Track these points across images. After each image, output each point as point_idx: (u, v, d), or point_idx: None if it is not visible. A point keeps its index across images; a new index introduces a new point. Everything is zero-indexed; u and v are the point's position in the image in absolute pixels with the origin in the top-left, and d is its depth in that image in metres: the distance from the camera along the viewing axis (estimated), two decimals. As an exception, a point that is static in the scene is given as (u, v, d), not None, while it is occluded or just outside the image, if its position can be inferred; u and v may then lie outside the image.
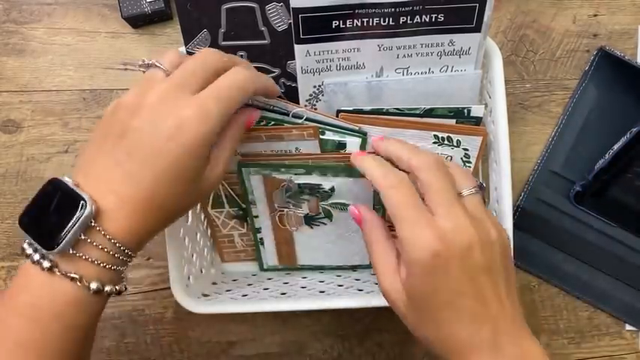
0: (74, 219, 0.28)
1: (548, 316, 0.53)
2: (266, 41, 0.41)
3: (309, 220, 0.45)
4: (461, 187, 0.33)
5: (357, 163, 0.37)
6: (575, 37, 0.55)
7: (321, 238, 0.47)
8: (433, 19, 0.38)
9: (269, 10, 0.39)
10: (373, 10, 0.37)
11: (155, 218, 0.32)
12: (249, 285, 0.47)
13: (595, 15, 0.55)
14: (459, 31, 0.39)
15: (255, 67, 0.42)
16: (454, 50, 0.40)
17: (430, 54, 0.41)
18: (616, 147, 0.51)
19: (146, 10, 0.52)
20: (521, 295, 0.53)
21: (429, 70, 0.42)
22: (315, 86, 0.42)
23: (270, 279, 0.49)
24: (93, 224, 0.29)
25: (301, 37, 0.39)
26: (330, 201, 0.43)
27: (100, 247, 0.30)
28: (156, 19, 0.54)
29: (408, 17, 0.38)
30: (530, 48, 0.55)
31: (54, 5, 0.55)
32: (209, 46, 0.41)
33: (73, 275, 0.29)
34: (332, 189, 0.42)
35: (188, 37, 0.41)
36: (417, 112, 0.42)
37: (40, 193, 0.30)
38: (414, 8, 0.37)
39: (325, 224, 0.45)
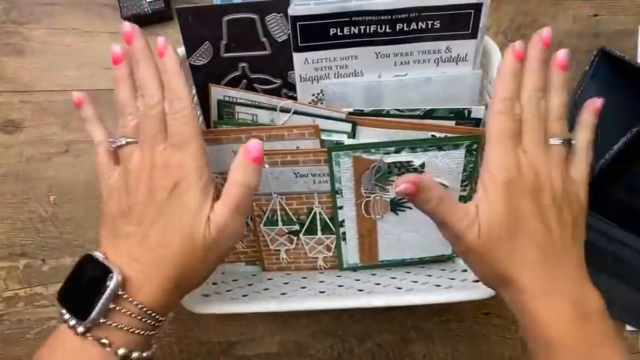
0: (103, 291, 0.31)
1: (549, 316, 0.53)
2: (267, 52, 0.42)
3: (395, 206, 0.46)
4: (551, 134, 0.36)
5: (502, 61, 0.36)
6: (576, 37, 0.55)
7: (405, 225, 0.47)
8: (429, 26, 0.39)
9: (269, 20, 0.40)
10: (370, 18, 0.38)
11: (175, 277, 0.34)
12: (250, 285, 0.48)
13: (595, 15, 0.55)
14: (456, 37, 0.40)
15: (257, 79, 0.43)
16: (451, 57, 0.41)
17: (427, 61, 0.41)
18: (616, 147, 0.51)
19: (146, 10, 0.53)
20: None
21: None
22: (313, 94, 0.43)
23: (270, 279, 0.49)
24: (121, 293, 0.32)
25: (299, 45, 0.40)
26: None
27: (129, 313, 0.32)
28: (156, 20, 0.55)
29: (405, 24, 0.39)
30: (531, 48, 0.55)
31: (54, 5, 0.56)
32: (211, 58, 0.43)
33: (103, 341, 0.32)
34: (422, 165, 0.43)
35: (190, 49, 0.42)
36: (418, 113, 0.43)
37: (75, 268, 0.34)
38: (410, 15, 0.38)
39: (411, 208, 0.46)
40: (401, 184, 0.33)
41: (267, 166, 0.43)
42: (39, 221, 0.55)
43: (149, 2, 0.53)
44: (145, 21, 0.55)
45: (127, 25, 0.36)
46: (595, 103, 0.38)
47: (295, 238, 0.49)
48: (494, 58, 0.42)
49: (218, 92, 0.44)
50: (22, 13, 0.56)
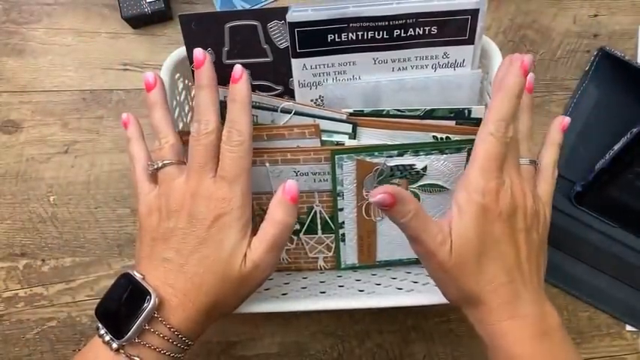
0: (140, 312, 0.33)
1: (549, 316, 0.54)
2: (268, 59, 0.42)
3: None
4: (520, 155, 0.38)
5: (509, 77, 0.35)
6: (576, 37, 0.55)
7: None
8: (427, 32, 0.40)
9: (271, 27, 0.40)
10: (367, 24, 0.39)
11: (206, 307, 0.35)
12: (250, 285, 0.48)
13: (595, 15, 0.55)
14: (453, 43, 0.41)
15: (259, 85, 0.44)
16: (448, 62, 0.42)
17: (425, 66, 0.42)
18: (616, 147, 0.52)
19: (146, 10, 0.53)
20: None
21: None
22: (312, 100, 0.44)
23: (270, 279, 0.49)
24: (156, 315, 0.33)
25: (298, 51, 0.41)
26: (420, 183, 0.45)
27: (162, 335, 0.34)
28: (156, 20, 0.55)
29: (402, 30, 0.40)
30: (531, 48, 0.55)
31: (54, 5, 0.56)
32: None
33: (135, 358, 0.33)
34: (424, 169, 0.43)
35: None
36: (418, 113, 0.43)
37: (114, 285, 0.35)
38: (408, 21, 0.39)
39: None
40: (378, 194, 0.33)
41: (267, 164, 0.44)
42: (39, 221, 0.55)
43: (149, 2, 0.53)
44: (145, 21, 0.55)
45: (200, 52, 0.37)
46: (563, 121, 0.40)
47: (296, 238, 0.49)
48: (494, 59, 0.43)
49: (219, 93, 0.44)
50: (22, 13, 0.56)
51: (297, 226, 0.49)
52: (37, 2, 0.57)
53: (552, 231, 0.54)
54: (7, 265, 0.55)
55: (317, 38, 0.40)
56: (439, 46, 0.41)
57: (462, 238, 0.34)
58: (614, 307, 0.54)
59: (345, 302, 0.42)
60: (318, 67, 0.42)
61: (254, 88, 0.45)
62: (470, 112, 0.43)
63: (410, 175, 0.44)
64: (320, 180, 0.45)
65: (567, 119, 0.40)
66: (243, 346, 0.55)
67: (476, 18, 0.39)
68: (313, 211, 0.47)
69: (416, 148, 0.42)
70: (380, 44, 0.40)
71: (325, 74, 0.42)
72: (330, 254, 0.50)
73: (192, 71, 0.43)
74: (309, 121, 0.44)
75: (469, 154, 0.42)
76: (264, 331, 0.55)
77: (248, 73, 0.37)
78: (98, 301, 0.35)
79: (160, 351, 0.34)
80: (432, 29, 0.40)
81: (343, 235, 0.48)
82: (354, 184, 0.45)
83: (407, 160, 0.43)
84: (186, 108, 0.48)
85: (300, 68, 0.42)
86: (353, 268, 0.51)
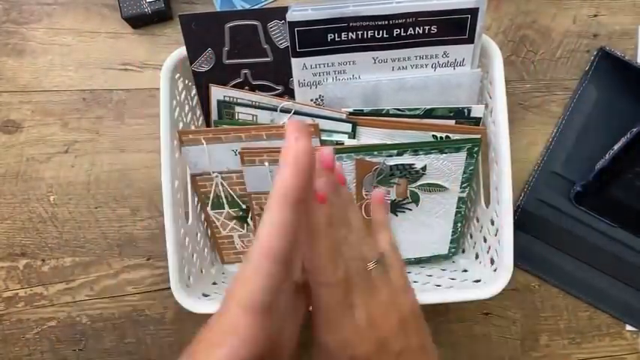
0: None
1: (549, 316, 0.54)
2: (269, 59, 0.42)
3: (395, 207, 0.47)
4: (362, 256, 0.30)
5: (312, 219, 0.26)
6: (576, 37, 0.55)
7: (404, 226, 0.48)
8: (426, 31, 0.40)
9: (271, 27, 0.40)
10: (367, 23, 0.39)
11: None
12: (250, 285, 0.48)
13: (595, 15, 0.55)
14: (453, 42, 0.41)
15: (259, 85, 0.43)
16: (448, 62, 0.42)
17: (425, 66, 0.42)
18: (616, 147, 0.52)
19: (146, 10, 0.53)
20: (521, 295, 0.53)
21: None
22: (312, 99, 0.44)
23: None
24: None
25: (297, 50, 0.40)
26: (420, 182, 0.45)
27: None
28: (156, 20, 0.55)
29: (402, 29, 0.40)
30: (531, 48, 0.55)
31: (54, 5, 0.56)
32: (213, 65, 0.43)
33: None
34: (424, 168, 0.44)
35: (193, 55, 0.42)
36: (418, 112, 0.43)
37: None
38: (407, 20, 0.39)
39: (411, 210, 0.47)
40: None
41: (267, 164, 0.44)
42: (39, 221, 0.55)
43: (149, 2, 0.53)
44: (145, 21, 0.55)
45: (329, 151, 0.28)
46: (379, 195, 0.34)
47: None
48: (494, 59, 0.42)
49: (218, 92, 0.44)
50: (22, 13, 0.56)
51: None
52: (37, 2, 0.56)
53: (552, 231, 0.54)
54: (7, 265, 0.55)
55: (317, 37, 0.40)
56: (439, 45, 0.41)
57: None
58: (614, 307, 0.54)
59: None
60: (318, 66, 0.42)
61: (254, 89, 0.44)
62: (469, 111, 0.43)
63: (409, 174, 0.44)
64: None
65: (380, 194, 0.33)
66: (243, 346, 0.55)
67: (475, 17, 0.39)
68: None
69: (415, 148, 0.42)
70: (380, 43, 0.41)
71: (325, 74, 0.42)
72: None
73: (192, 71, 0.44)
74: (309, 120, 0.44)
75: (468, 153, 0.42)
76: (264, 331, 0.55)
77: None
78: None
79: None
80: (432, 28, 0.40)
81: None
82: (354, 184, 0.44)
83: (406, 159, 0.43)
84: (186, 108, 0.48)
85: (300, 68, 0.42)
86: None
